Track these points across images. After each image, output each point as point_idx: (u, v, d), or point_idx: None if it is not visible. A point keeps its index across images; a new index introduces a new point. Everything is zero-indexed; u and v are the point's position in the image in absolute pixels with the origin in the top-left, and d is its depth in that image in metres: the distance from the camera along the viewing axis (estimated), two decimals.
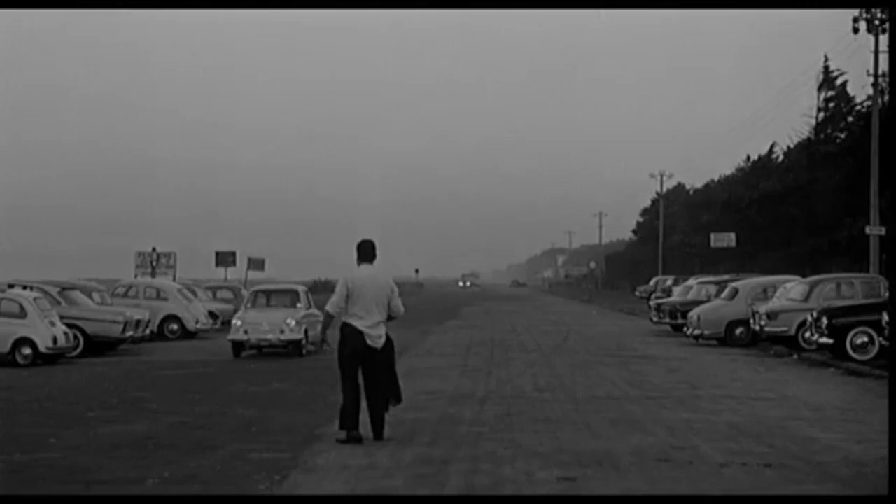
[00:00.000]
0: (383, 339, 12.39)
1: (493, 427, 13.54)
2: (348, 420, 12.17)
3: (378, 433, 12.31)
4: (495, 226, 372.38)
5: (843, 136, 59.29)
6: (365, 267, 12.49)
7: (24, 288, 27.15)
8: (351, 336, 12.25)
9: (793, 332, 25.86)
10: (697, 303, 32.88)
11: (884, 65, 40.86)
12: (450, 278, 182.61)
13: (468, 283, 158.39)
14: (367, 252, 12.59)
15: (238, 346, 26.22)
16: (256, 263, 60.00)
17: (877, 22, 39.71)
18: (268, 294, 28.12)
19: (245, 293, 46.25)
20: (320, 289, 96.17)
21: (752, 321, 27.76)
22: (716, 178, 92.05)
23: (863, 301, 24.86)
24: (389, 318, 12.59)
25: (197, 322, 35.46)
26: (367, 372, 12.32)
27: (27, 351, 24.26)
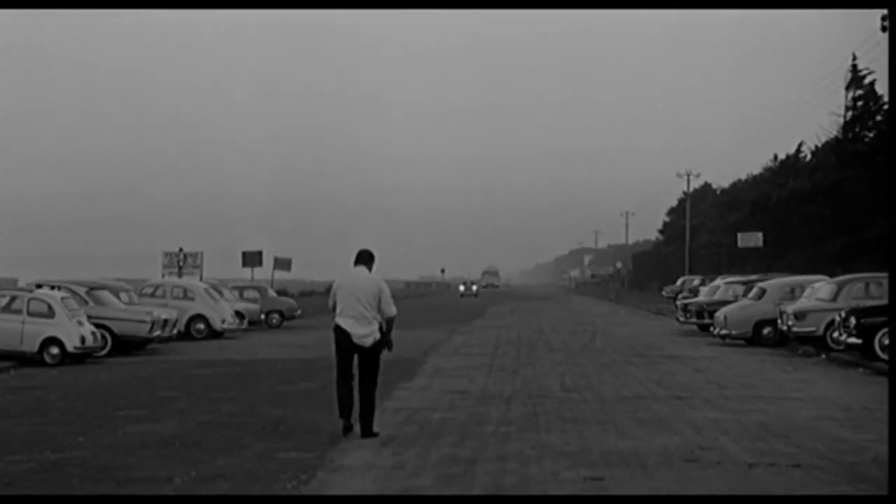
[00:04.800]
0: (370, 340, 12.69)
1: (519, 427, 13.52)
2: (341, 410, 12.80)
3: (363, 430, 12.71)
4: (522, 226, 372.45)
5: (871, 134, 58.95)
6: (353, 270, 13.05)
7: (52, 288, 27.32)
8: (338, 335, 12.80)
9: (821, 332, 25.72)
10: (724, 303, 32.73)
11: None
12: (476, 278, 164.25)
13: (474, 289, 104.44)
14: (359, 257, 13.18)
15: None
16: (283, 263, 60.06)
17: None
18: None
19: (272, 293, 46.55)
20: None
21: (779, 321, 27.60)
22: (743, 177, 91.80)
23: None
24: (389, 320, 13.00)
25: (223, 322, 35.59)
26: (360, 369, 12.84)
27: (55, 350, 24.41)
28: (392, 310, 12.92)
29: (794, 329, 26.45)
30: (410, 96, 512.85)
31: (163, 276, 45.61)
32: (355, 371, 12.86)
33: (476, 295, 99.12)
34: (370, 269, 13.10)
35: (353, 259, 13.31)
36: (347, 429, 12.76)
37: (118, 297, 29.82)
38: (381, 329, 12.85)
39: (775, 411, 14.95)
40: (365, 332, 12.67)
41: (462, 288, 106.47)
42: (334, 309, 12.93)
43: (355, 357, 12.82)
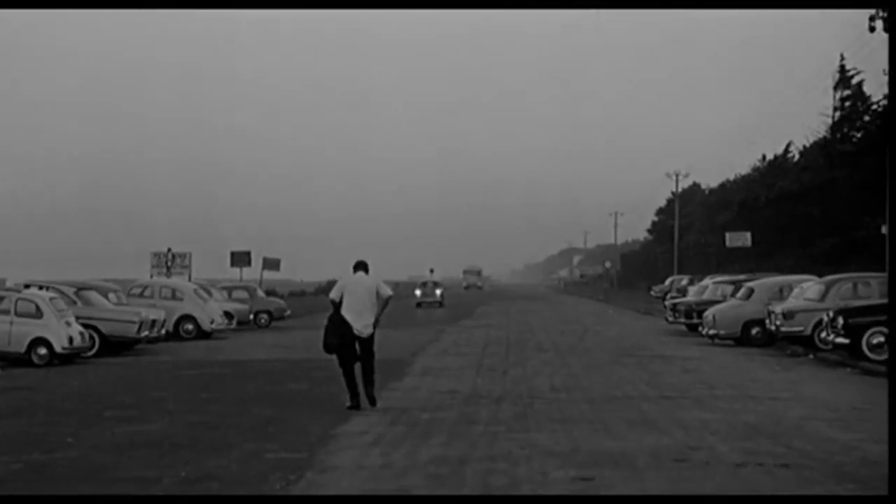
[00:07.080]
0: (367, 331, 15.43)
1: (509, 427, 13.52)
2: (351, 394, 15.39)
3: (371, 401, 15.44)
4: (512, 225, 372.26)
5: (859, 135, 59.12)
6: (354, 275, 15.81)
7: (40, 288, 27.23)
8: (341, 326, 15.29)
9: (809, 331, 25.78)
10: (713, 302, 32.78)
11: None
12: (458, 278, 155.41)
13: (438, 293, 67.77)
14: (357, 267, 15.96)
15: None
16: (271, 264, 60.02)
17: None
18: None
19: (261, 293, 46.49)
20: None
21: (767, 321, 27.65)
22: (732, 177, 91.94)
23: (879, 301, 24.67)
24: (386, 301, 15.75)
25: (212, 322, 35.53)
26: (361, 353, 15.45)
27: (43, 351, 24.35)
28: (388, 291, 15.81)
29: (783, 329, 26.52)
30: (400, 93, 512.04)
31: (151, 276, 45.50)
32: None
33: (441, 303, 66.11)
34: (366, 273, 15.87)
35: (350, 266, 15.95)
36: (355, 407, 15.21)
37: (106, 298, 29.75)
38: (375, 323, 15.53)
39: (764, 411, 14.98)
40: (364, 324, 15.34)
41: (418, 293, 69.24)
42: (338, 302, 15.38)
43: (355, 345, 15.30)
